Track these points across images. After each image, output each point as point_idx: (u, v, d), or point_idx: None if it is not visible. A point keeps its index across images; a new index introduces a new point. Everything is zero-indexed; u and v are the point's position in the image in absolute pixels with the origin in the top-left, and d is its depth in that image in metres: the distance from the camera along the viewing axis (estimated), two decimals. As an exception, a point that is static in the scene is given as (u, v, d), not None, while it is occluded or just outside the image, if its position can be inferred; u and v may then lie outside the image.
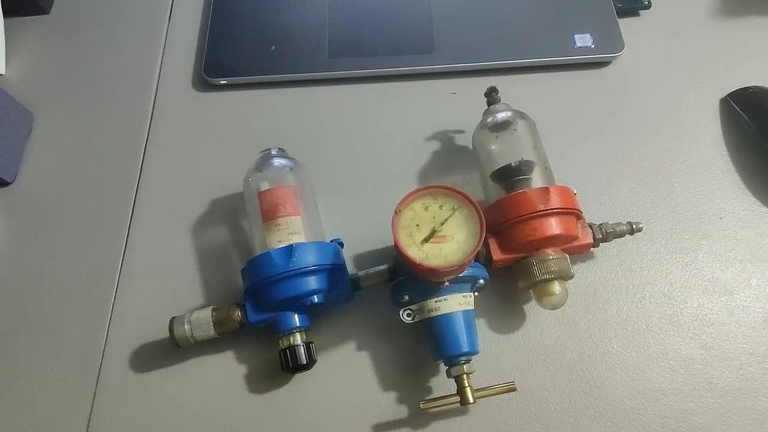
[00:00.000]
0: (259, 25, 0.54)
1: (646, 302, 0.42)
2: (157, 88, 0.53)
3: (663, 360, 0.40)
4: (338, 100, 0.51)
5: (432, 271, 0.32)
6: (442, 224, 0.33)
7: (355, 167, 0.48)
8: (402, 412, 0.39)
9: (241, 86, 0.52)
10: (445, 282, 0.35)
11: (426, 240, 0.33)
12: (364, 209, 0.46)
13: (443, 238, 0.33)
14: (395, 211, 0.34)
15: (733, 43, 0.52)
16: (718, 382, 0.39)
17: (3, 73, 0.54)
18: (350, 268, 0.42)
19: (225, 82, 0.52)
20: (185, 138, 0.50)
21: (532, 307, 0.42)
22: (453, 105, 0.51)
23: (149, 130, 0.50)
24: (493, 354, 0.40)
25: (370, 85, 0.52)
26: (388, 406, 0.39)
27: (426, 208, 0.34)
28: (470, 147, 0.48)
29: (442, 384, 0.39)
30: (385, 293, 0.40)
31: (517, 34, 0.52)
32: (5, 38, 0.55)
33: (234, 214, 0.46)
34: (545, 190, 0.38)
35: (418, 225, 0.34)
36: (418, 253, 0.33)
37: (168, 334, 0.38)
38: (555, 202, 0.37)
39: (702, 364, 0.39)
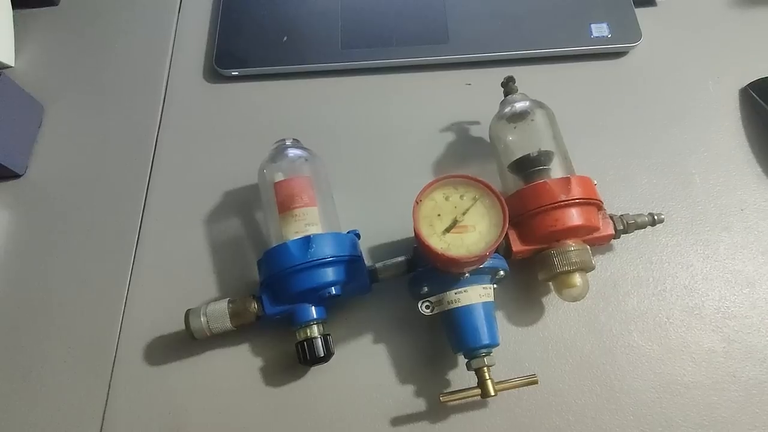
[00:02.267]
0: (270, 15, 0.53)
1: (666, 294, 0.41)
2: (167, 79, 0.52)
3: (685, 353, 0.39)
4: (351, 91, 0.51)
5: (454, 262, 0.32)
6: (464, 214, 0.33)
7: (369, 159, 0.47)
8: (420, 405, 0.38)
9: (252, 77, 0.52)
10: (465, 273, 0.35)
11: (447, 230, 0.33)
12: (378, 201, 0.45)
13: (465, 228, 0.33)
14: (416, 201, 0.33)
15: (753, 32, 0.51)
16: (741, 375, 0.38)
17: (12, 65, 0.54)
18: (366, 261, 0.41)
19: (237, 73, 0.51)
20: (197, 129, 0.50)
21: (550, 300, 0.41)
22: (468, 96, 0.50)
23: (160, 121, 0.50)
24: (512, 347, 0.40)
25: (383, 76, 0.51)
26: (406, 399, 0.38)
27: (447, 198, 0.34)
28: (485, 138, 0.47)
29: (460, 377, 0.39)
30: (402, 285, 0.39)
31: (532, 23, 0.51)
32: (14, 30, 0.54)
33: (247, 207, 0.45)
34: (566, 180, 0.37)
35: (439, 215, 0.33)
36: (440, 243, 0.32)
37: (183, 327, 0.37)
38: (576, 192, 0.37)
39: (725, 357, 0.39)
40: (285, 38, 0.52)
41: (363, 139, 0.48)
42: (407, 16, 0.52)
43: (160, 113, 0.50)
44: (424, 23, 0.52)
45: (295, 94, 0.51)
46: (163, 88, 0.52)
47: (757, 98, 0.47)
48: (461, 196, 0.34)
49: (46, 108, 0.51)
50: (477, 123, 0.49)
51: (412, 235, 0.43)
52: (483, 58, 0.51)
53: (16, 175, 0.48)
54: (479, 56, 0.51)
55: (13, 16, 0.54)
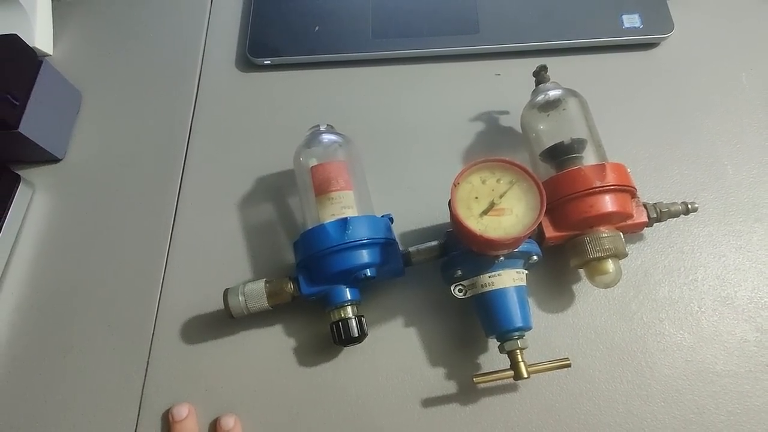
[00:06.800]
0: (302, 5, 0.54)
1: (698, 284, 0.41)
2: (201, 67, 0.53)
3: (717, 342, 0.39)
4: (382, 80, 0.51)
5: (491, 243, 0.32)
6: (501, 197, 0.33)
7: (399, 148, 0.48)
8: (451, 387, 0.39)
9: (284, 66, 0.52)
10: (500, 257, 0.35)
11: (485, 213, 0.33)
12: (408, 189, 0.46)
13: (502, 210, 0.33)
14: (453, 184, 0.34)
15: (788, 23, 0.51)
16: (775, 365, 0.38)
17: (51, 53, 0.55)
18: (398, 245, 0.42)
19: (269, 62, 0.52)
20: (230, 117, 0.50)
21: (581, 287, 0.41)
22: (498, 86, 0.50)
23: (194, 109, 0.51)
24: (543, 333, 0.40)
25: (413, 66, 0.52)
26: (437, 381, 0.39)
27: (483, 182, 0.34)
28: (515, 128, 0.47)
29: (491, 361, 0.39)
30: (434, 270, 0.40)
31: (563, 14, 0.51)
32: (53, 19, 0.56)
33: (279, 192, 0.46)
34: (601, 167, 0.37)
35: (476, 198, 0.33)
36: (478, 225, 0.33)
37: (217, 307, 0.38)
38: (611, 178, 0.37)
39: (758, 347, 0.39)
40: (317, 28, 0.53)
41: (393, 128, 0.49)
42: (438, 6, 0.53)
43: (194, 100, 0.51)
44: (455, 13, 0.52)
45: (326, 83, 0.51)
46: (197, 76, 0.53)
47: (792, 90, 0.47)
48: (498, 180, 0.34)
49: (83, 94, 0.52)
50: (506, 113, 0.49)
51: (441, 222, 0.44)
52: (513, 48, 0.51)
53: (56, 159, 0.49)
54: (509, 47, 0.51)
55: (52, 5, 0.56)
